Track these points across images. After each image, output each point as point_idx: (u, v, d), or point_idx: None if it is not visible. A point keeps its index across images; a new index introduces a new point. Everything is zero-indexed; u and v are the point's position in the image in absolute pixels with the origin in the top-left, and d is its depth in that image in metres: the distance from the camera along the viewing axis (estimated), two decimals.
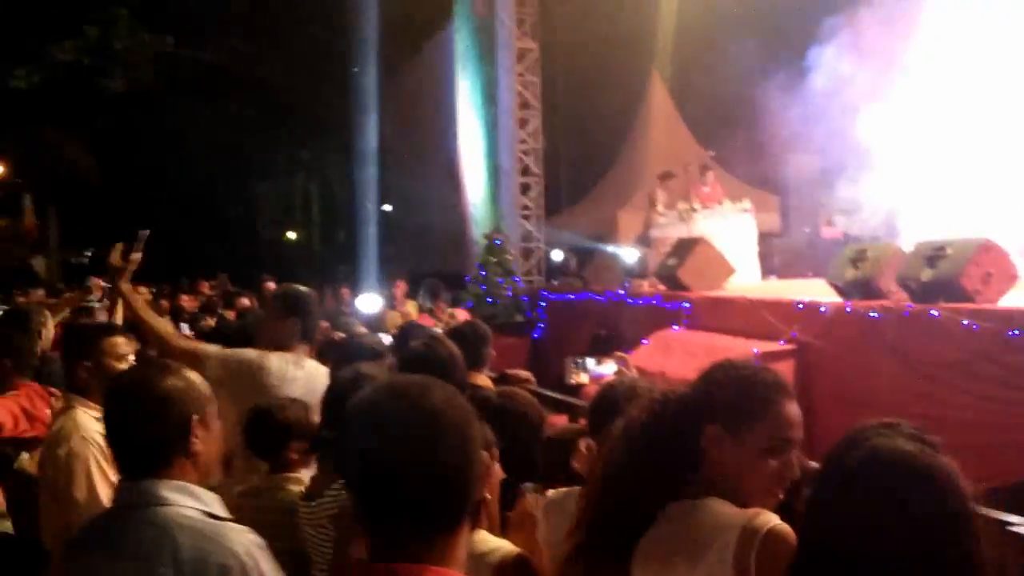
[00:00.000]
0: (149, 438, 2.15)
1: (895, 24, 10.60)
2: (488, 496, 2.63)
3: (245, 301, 11.22)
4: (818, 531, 1.63)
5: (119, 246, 3.85)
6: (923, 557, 1.49)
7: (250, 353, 4.11)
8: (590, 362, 8.59)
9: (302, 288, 4.39)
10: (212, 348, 4.24)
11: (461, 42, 17.52)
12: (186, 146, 27.98)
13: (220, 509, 2.19)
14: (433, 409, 1.51)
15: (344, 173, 29.90)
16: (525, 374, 5.08)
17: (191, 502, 2.13)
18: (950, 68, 10.26)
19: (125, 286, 4.02)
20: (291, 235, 33.37)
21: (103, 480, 3.36)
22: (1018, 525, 3.35)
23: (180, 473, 2.15)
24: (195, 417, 2.19)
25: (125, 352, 3.70)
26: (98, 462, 3.37)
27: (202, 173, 29.88)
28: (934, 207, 9.88)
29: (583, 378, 8.13)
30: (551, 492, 2.84)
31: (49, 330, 5.57)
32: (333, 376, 3.63)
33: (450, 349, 3.62)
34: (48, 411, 4.63)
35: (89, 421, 3.47)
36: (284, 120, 28.07)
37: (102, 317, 6.80)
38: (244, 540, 2.10)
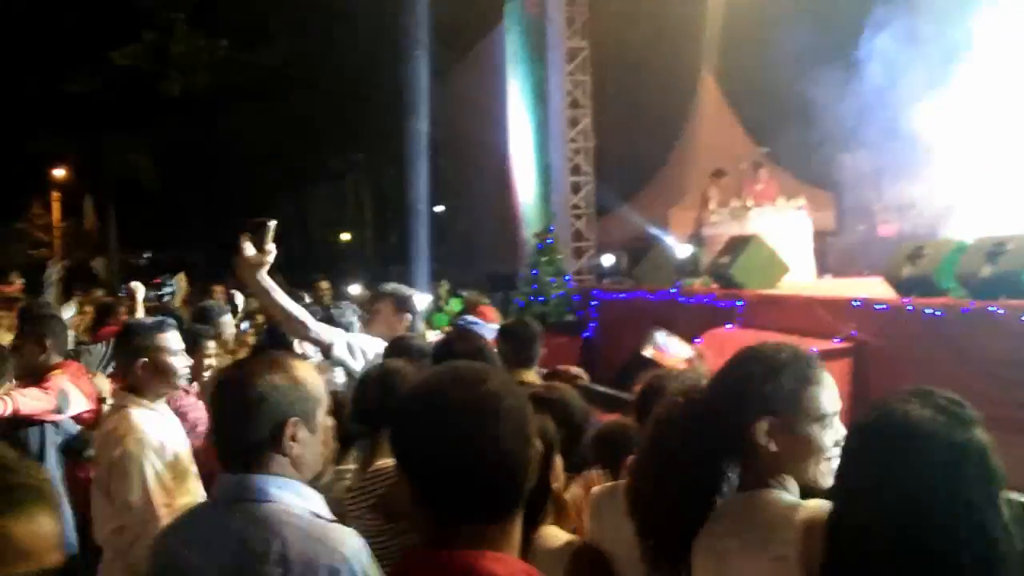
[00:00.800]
0: (242, 435, 2.10)
1: (951, 13, 10.37)
2: (556, 486, 2.62)
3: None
4: (837, 497, 1.67)
5: (247, 237, 3.74)
6: (920, 528, 1.48)
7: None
8: (660, 336, 8.37)
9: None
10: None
11: (511, 42, 17.54)
12: (241, 149, 28.39)
13: (325, 509, 2.14)
14: (489, 393, 1.51)
15: (396, 174, 30.10)
16: (576, 370, 5.05)
17: (297, 500, 2.08)
18: (1008, 58, 10.02)
19: (266, 280, 3.86)
20: (344, 236, 33.68)
21: (157, 483, 3.36)
22: None
23: (282, 470, 2.09)
24: (294, 419, 2.10)
25: (180, 347, 3.73)
26: (153, 464, 3.38)
27: (256, 175, 30.30)
28: (991, 202, 9.66)
29: (648, 352, 7.97)
30: (596, 488, 2.82)
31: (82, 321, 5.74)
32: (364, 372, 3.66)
33: (480, 343, 3.64)
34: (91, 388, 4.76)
35: (144, 421, 3.48)
36: (337, 122, 28.32)
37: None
38: (352, 543, 2.03)
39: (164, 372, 3.63)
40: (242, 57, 25.48)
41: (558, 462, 2.73)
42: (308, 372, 2.22)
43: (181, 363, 3.70)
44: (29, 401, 4.28)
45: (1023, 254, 6.47)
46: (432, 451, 1.50)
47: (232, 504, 2.06)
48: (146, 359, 3.60)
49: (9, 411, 4.16)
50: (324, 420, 2.20)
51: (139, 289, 6.94)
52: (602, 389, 6.08)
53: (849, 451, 1.66)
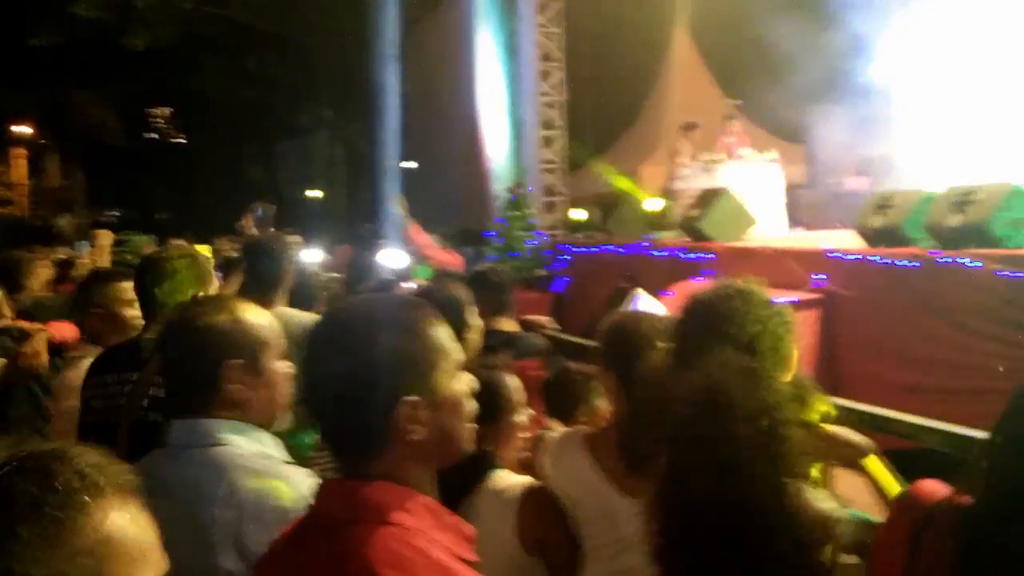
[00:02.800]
0: (185, 378, 2.08)
1: None
2: (501, 448, 2.59)
3: None
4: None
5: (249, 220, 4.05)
6: None
7: None
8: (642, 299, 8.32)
9: None
10: None
11: None
12: (209, 105, 27.99)
13: (279, 451, 2.10)
14: (335, 322, 1.54)
15: (366, 131, 29.81)
16: (544, 319, 5.04)
17: (248, 443, 2.04)
18: (978, 10, 10.00)
19: None
20: (314, 193, 33.40)
21: None
22: None
23: (246, 410, 2.06)
24: (235, 360, 2.05)
25: (132, 297, 3.65)
26: None
27: (225, 132, 29.93)
28: (960, 153, 9.68)
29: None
30: (552, 433, 2.79)
31: (39, 277, 5.65)
32: None
33: (453, 292, 3.58)
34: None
35: None
36: (306, 78, 27.95)
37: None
38: (305, 483, 1.96)
39: (120, 322, 3.57)
40: (209, 10, 24.98)
41: (513, 421, 2.69)
42: (256, 315, 2.17)
43: (133, 313, 3.62)
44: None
45: (991, 203, 6.47)
46: (311, 381, 1.53)
47: (183, 449, 2.03)
48: (101, 309, 3.55)
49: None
50: (273, 364, 2.14)
51: (107, 236, 6.86)
52: (570, 338, 6.05)
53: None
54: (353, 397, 1.45)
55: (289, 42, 27.45)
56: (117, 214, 34.87)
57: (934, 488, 1.70)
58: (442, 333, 1.53)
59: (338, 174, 32.90)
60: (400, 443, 1.46)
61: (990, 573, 1.52)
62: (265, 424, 2.13)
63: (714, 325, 2.08)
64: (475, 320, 3.50)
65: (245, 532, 1.90)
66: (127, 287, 3.62)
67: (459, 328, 3.39)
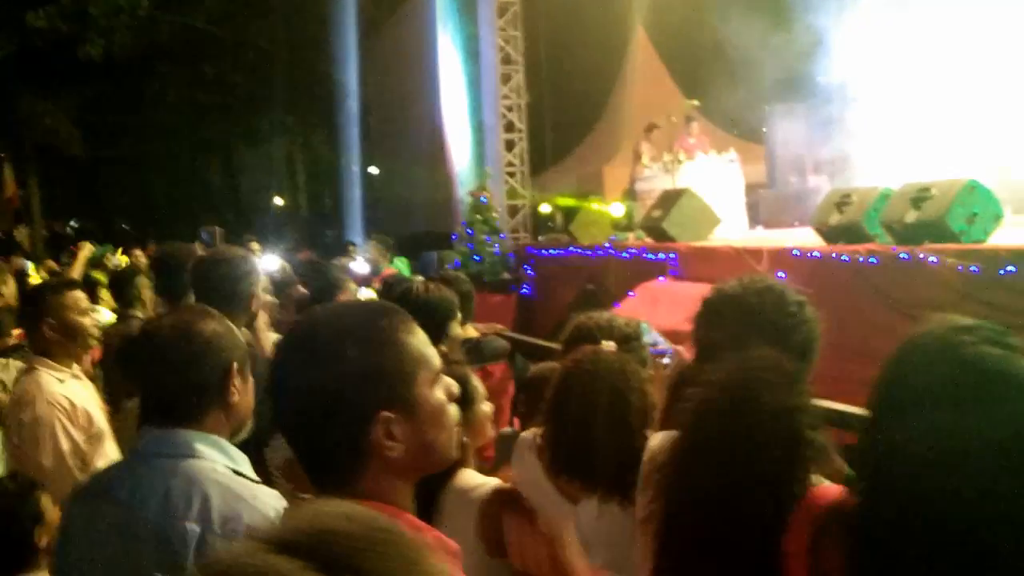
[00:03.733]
0: (189, 384, 2.03)
1: None
2: (470, 439, 2.57)
3: None
4: (884, 464, 1.43)
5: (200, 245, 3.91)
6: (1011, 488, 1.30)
7: None
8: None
9: None
10: None
11: None
12: (168, 113, 27.70)
13: (249, 470, 2.08)
14: (302, 335, 1.45)
15: (328, 137, 29.65)
16: (497, 326, 5.10)
17: (222, 459, 2.02)
18: (936, 7, 10.14)
19: None
20: (277, 201, 33.18)
21: (69, 445, 3.30)
22: None
23: (214, 425, 2.04)
24: (235, 364, 2.07)
25: (86, 307, 3.61)
26: (64, 426, 3.31)
27: (184, 140, 29.62)
28: (917, 150, 9.81)
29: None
30: (525, 432, 2.78)
31: (9, 287, 5.56)
32: None
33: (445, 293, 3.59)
34: None
35: (52, 383, 3.40)
36: (266, 84, 27.74)
37: None
38: (275, 504, 1.97)
39: (72, 332, 3.51)
40: (165, 17, 24.71)
41: (481, 410, 2.68)
42: (230, 323, 2.20)
43: (90, 322, 3.57)
44: None
45: (947, 199, 6.55)
46: (281, 398, 1.45)
47: (155, 459, 2.00)
48: (52, 320, 3.48)
49: None
50: (247, 374, 2.15)
51: (85, 248, 6.83)
52: (529, 339, 6.04)
53: (902, 405, 1.42)
54: (325, 414, 1.37)
55: (247, 48, 27.25)
56: (74, 224, 34.42)
57: (829, 492, 1.61)
58: (418, 340, 1.45)
59: (299, 180, 32.72)
60: (377, 460, 1.38)
61: None
62: (239, 431, 2.13)
63: (742, 318, 1.99)
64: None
65: (211, 547, 1.88)
66: (81, 296, 3.61)
67: (447, 327, 3.42)
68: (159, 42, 25.07)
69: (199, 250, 4.61)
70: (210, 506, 1.91)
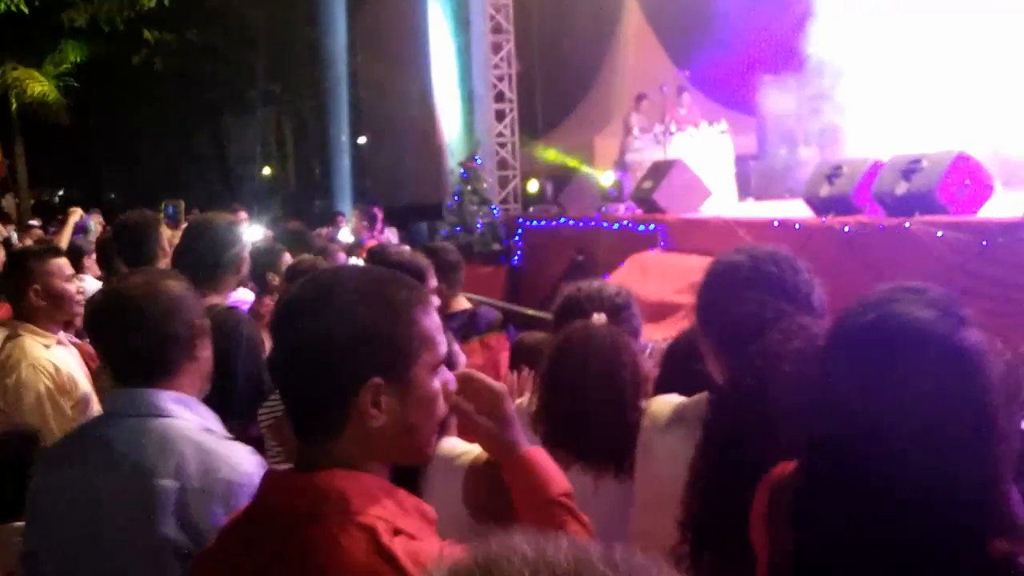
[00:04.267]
0: (160, 341, 2.04)
1: None
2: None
3: None
4: (816, 415, 1.45)
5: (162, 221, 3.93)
6: (928, 448, 1.31)
7: None
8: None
9: None
10: None
11: None
12: (154, 81, 27.44)
13: (219, 427, 2.10)
14: (318, 287, 1.43)
15: (316, 106, 29.43)
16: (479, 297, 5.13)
17: (194, 417, 2.03)
18: None
19: None
20: (265, 170, 32.99)
21: (55, 410, 3.30)
22: None
23: (189, 382, 2.07)
24: (199, 321, 2.11)
25: (70, 273, 3.61)
26: (49, 390, 3.31)
27: (172, 108, 29.37)
28: (908, 122, 9.80)
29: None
30: (519, 400, 2.77)
31: None
32: None
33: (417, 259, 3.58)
34: None
35: (37, 348, 3.40)
36: (254, 53, 27.49)
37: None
38: (252, 459, 1.99)
39: (57, 298, 3.50)
40: None
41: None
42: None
43: (74, 289, 3.56)
44: None
45: (937, 171, 6.56)
46: (280, 345, 1.44)
47: (125, 419, 2.01)
48: (37, 285, 3.47)
49: None
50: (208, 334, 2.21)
51: (74, 213, 6.84)
52: (518, 308, 6.04)
53: (837, 359, 1.43)
54: (322, 365, 1.36)
55: (235, 16, 26.96)
56: (60, 193, 34.15)
57: (785, 465, 1.61)
58: (431, 322, 1.43)
59: (288, 150, 32.53)
60: (358, 426, 1.37)
61: (819, 550, 1.42)
62: (203, 392, 2.15)
63: (766, 286, 1.99)
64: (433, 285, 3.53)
65: (190, 504, 1.90)
66: (65, 263, 3.62)
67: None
68: (146, 9, 24.78)
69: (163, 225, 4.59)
70: (186, 463, 1.92)
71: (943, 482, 1.32)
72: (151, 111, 29.04)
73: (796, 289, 1.99)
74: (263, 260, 4.49)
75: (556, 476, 1.62)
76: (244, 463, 1.96)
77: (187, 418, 2.02)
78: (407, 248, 3.65)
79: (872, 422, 1.34)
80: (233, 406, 2.97)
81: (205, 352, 2.13)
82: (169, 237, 4.66)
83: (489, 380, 1.65)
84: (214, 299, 3.42)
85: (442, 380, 1.46)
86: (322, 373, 1.37)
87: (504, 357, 4.24)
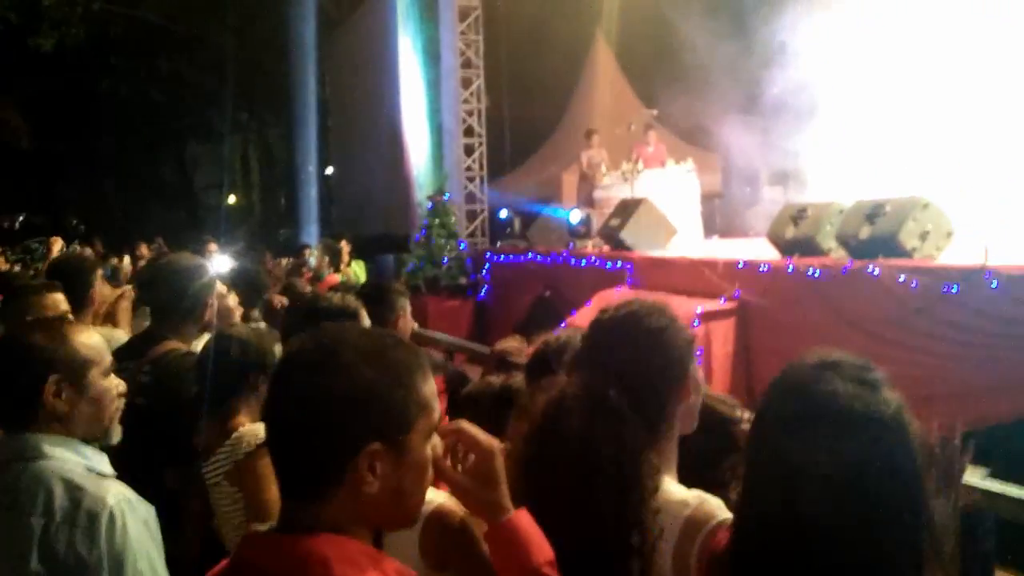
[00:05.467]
0: (7, 392, 2.19)
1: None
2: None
3: None
4: (752, 491, 1.51)
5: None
6: (864, 518, 1.38)
7: None
8: None
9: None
10: None
11: (402, 0, 17.22)
12: (120, 107, 27.28)
13: (104, 464, 2.23)
14: (321, 346, 1.41)
15: (283, 135, 29.39)
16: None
17: (73, 456, 2.16)
18: (891, 27, 10.34)
19: None
20: (231, 199, 32.80)
21: None
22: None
23: (53, 428, 2.18)
24: (54, 376, 2.17)
25: (65, 309, 3.70)
26: None
27: (137, 135, 29.19)
28: (872, 166, 9.99)
29: None
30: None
31: None
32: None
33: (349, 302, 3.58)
34: None
35: None
36: (222, 80, 27.43)
37: None
38: (118, 492, 2.13)
39: None
40: (119, 10, 24.32)
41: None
42: (81, 335, 2.30)
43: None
44: None
45: (900, 216, 6.68)
46: (276, 402, 1.41)
47: (10, 464, 2.15)
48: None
49: None
50: (99, 381, 2.27)
51: (57, 243, 6.85)
52: (460, 341, 6.01)
53: (769, 443, 1.49)
54: (320, 427, 1.35)
55: (202, 44, 26.93)
56: (22, 217, 33.64)
57: (725, 536, 1.66)
58: (428, 388, 1.43)
59: (254, 179, 32.39)
60: (350, 490, 1.36)
61: None
62: (92, 438, 2.26)
63: (608, 345, 2.01)
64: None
65: (54, 537, 2.04)
66: (60, 298, 3.74)
67: None
68: (113, 36, 24.67)
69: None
70: (53, 500, 2.07)
71: (870, 550, 1.38)
72: (115, 137, 28.83)
73: (634, 350, 1.97)
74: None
75: (540, 543, 1.60)
76: (109, 495, 2.09)
77: (65, 458, 2.14)
78: (336, 294, 3.58)
79: (791, 493, 1.41)
80: (180, 450, 2.98)
81: (67, 403, 2.19)
82: (107, 295, 4.64)
83: (482, 435, 1.63)
84: (172, 344, 3.40)
85: (432, 444, 1.45)
86: (322, 434, 1.35)
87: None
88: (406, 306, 4.22)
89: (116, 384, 2.33)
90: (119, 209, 29.77)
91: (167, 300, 3.48)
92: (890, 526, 1.39)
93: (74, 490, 2.09)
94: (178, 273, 3.55)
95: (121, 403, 2.36)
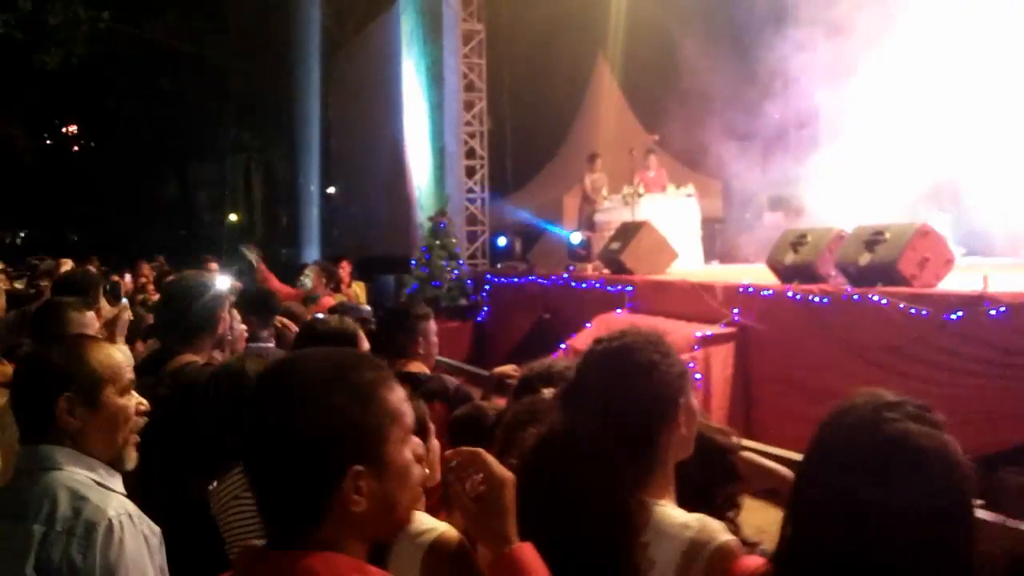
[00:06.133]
0: (25, 407, 2.25)
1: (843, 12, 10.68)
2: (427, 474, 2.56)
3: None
4: (808, 528, 1.50)
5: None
6: (930, 556, 1.40)
7: None
8: None
9: None
10: None
11: (407, 23, 17.34)
12: (123, 125, 27.40)
13: (115, 483, 2.24)
14: (284, 378, 1.42)
15: (286, 155, 29.49)
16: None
17: (83, 470, 2.18)
18: (892, 55, 10.39)
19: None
20: (232, 217, 32.88)
21: None
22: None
23: (68, 443, 2.20)
24: (67, 394, 2.20)
25: (96, 327, 3.76)
26: None
27: (140, 153, 29.30)
28: (872, 192, 10.01)
29: None
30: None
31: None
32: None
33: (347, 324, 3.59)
34: None
35: None
36: (225, 100, 27.57)
37: None
38: (119, 505, 2.15)
39: None
40: (125, 29, 24.49)
41: (433, 446, 2.67)
42: (101, 352, 2.31)
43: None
44: None
45: (900, 243, 6.70)
46: (251, 441, 1.41)
47: (27, 474, 2.19)
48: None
49: None
50: (114, 400, 2.27)
51: (66, 264, 6.93)
52: (457, 363, 6.02)
53: (826, 473, 1.50)
54: (299, 462, 1.35)
55: (206, 63, 27.07)
56: (22, 235, 33.74)
57: (752, 563, 1.66)
58: (396, 397, 1.45)
59: (255, 198, 32.48)
60: (340, 513, 1.37)
61: None
62: (106, 458, 2.26)
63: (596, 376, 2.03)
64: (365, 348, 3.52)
65: (52, 545, 2.06)
66: (93, 316, 3.83)
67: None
68: (117, 55, 24.82)
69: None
70: (57, 508, 2.10)
71: None
72: (119, 155, 28.94)
73: (622, 383, 1.97)
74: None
75: None
76: (110, 508, 2.12)
77: (76, 471, 2.17)
78: (334, 316, 3.60)
79: (859, 532, 1.41)
80: (203, 460, 2.97)
81: (79, 420, 2.21)
82: (107, 311, 4.67)
83: (495, 465, 1.64)
84: (187, 357, 3.45)
85: (412, 446, 1.47)
86: (301, 472, 1.36)
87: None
88: (428, 329, 4.25)
89: (137, 402, 2.35)
90: (120, 226, 29.83)
91: (180, 314, 3.54)
92: (952, 564, 1.41)
93: (77, 500, 2.12)
94: (191, 288, 3.63)
95: (140, 423, 2.36)
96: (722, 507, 2.26)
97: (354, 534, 1.40)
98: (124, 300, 8.31)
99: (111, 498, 2.17)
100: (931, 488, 1.41)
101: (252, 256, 10.26)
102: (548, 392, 2.48)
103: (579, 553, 1.68)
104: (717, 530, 1.82)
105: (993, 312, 5.56)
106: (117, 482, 2.25)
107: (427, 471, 2.62)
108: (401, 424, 1.44)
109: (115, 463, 2.28)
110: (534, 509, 1.69)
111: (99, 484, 2.19)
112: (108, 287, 8.16)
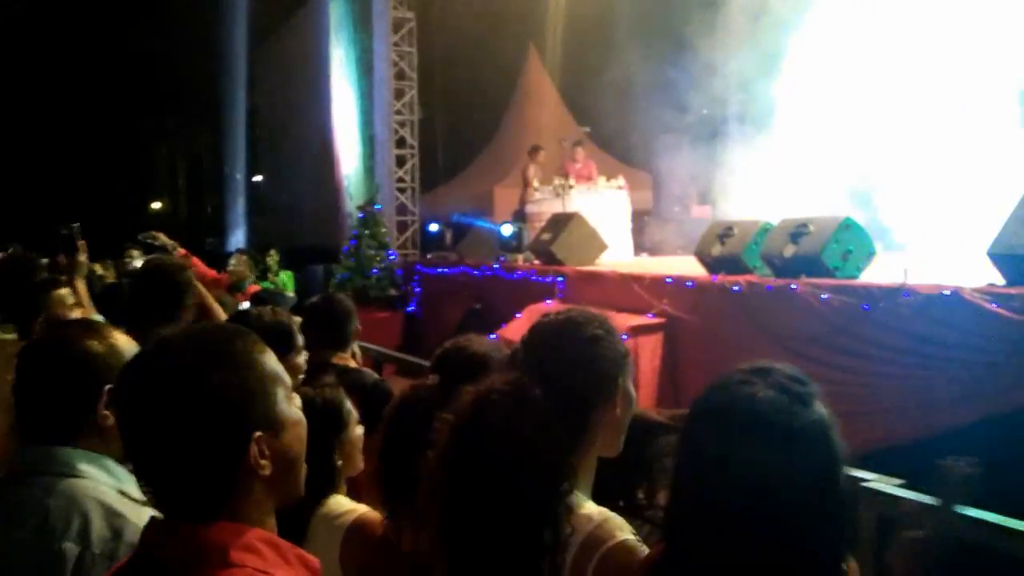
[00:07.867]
0: (55, 402, 1.97)
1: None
2: (343, 462, 2.54)
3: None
4: (677, 487, 1.52)
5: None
6: (774, 524, 1.38)
7: None
8: None
9: None
10: None
11: (336, 10, 17.15)
12: (43, 111, 26.58)
13: (136, 491, 1.97)
14: (155, 361, 1.39)
15: (211, 142, 28.94)
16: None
17: (107, 478, 1.95)
18: (825, 49, 10.60)
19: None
20: (155, 205, 32.14)
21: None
22: (872, 481, 3.51)
23: (103, 442, 1.97)
24: (108, 386, 1.95)
25: (72, 303, 3.74)
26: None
27: (59, 139, 28.46)
28: (797, 186, 10.21)
29: None
30: None
31: None
32: None
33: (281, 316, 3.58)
34: None
35: None
36: (147, 85, 26.91)
37: None
38: None
39: None
40: (47, 16, 23.76)
41: (354, 433, 2.64)
42: (126, 341, 2.09)
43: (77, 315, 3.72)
44: None
45: (823, 236, 6.83)
46: (137, 431, 1.39)
47: (33, 477, 1.93)
48: (41, 318, 3.62)
49: None
50: None
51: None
52: (394, 353, 5.96)
53: (690, 439, 1.50)
54: (197, 443, 1.33)
55: (130, 47, 26.42)
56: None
57: (652, 556, 1.66)
58: (269, 359, 1.45)
59: (180, 185, 31.81)
60: (248, 482, 1.38)
61: None
62: (125, 457, 2.01)
63: (545, 352, 2.01)
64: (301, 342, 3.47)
65: (91, 569, 1.82)
66: (66, 293, 3.81)
67: (289, 351, 3.35)
68: (40, 42, 24.07)
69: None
70: (90, 526, 1.85)
71: (794, 558, 1.39)
72: (39, 140, 28.06)
73: (570, 358, 1.98)
74: None
75: None
76: None
77: (99, 479, 1.94)
78: (267, 309, 3.55)
79: (726, 501, 1.41)
80: None
81: (113, 416, 1.98)
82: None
83: None
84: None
85: (297, 403, 1.48)
86: (200, 450, 1.34)
87: None
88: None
89: None
90: (38, 212, 28.92)
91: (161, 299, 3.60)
92: (813, 527, 1.40)
93: (113, 517, 1.88)
94: (166, 272, 3.77)
95: None
96: (641, 507, 2.27)
97: (264, 498, 1.41)
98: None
99: (146, 515, 1.96)
100: (760, 454, 1.40)
101: (161, 241, 10.00)
102: (434, 378, 2.43)
103: (507, 511, 1.68)
104: (619, 527, 1.81)
105: (912, 302, 5.71)
106: (135, 487, 1.98)
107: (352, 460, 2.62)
108: (283, 382, 1.45)
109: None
110: (470, 464, 1.69)
111: (122, 493, 1.95)
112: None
